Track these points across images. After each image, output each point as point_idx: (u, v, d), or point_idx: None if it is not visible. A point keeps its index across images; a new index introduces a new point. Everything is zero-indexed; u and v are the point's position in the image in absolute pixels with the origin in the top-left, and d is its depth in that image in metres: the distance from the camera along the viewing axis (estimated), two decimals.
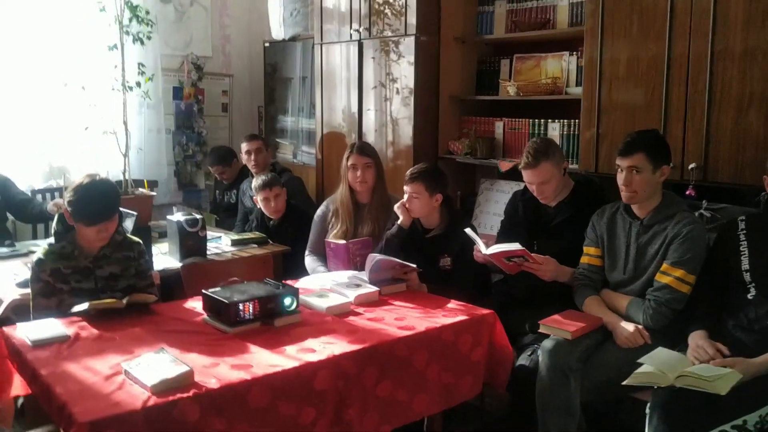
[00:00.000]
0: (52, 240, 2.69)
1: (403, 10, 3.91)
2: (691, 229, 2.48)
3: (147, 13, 3.94)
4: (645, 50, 2.98)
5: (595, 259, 2.75)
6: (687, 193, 2.88)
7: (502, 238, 3.08)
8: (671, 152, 2.59)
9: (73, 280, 2.61)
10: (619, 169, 2.55)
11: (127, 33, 3.89)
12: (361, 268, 3.12)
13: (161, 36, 5.09)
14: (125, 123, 3.96)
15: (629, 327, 2.49)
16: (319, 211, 3.55)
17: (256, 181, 3.87)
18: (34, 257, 2.65)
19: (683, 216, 2.54)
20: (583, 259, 2.78)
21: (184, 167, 5.43)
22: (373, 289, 2.73)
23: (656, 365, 2.20)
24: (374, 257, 2.79)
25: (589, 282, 2.73)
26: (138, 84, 3.97)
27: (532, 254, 2.70)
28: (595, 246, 2.75)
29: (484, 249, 2.76)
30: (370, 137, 4.24)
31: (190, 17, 5.35)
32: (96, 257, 2.64)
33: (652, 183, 2.53)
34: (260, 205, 3.86)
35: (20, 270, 3.11)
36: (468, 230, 2.85)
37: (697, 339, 2.34)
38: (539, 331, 2.55)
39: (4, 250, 3.50)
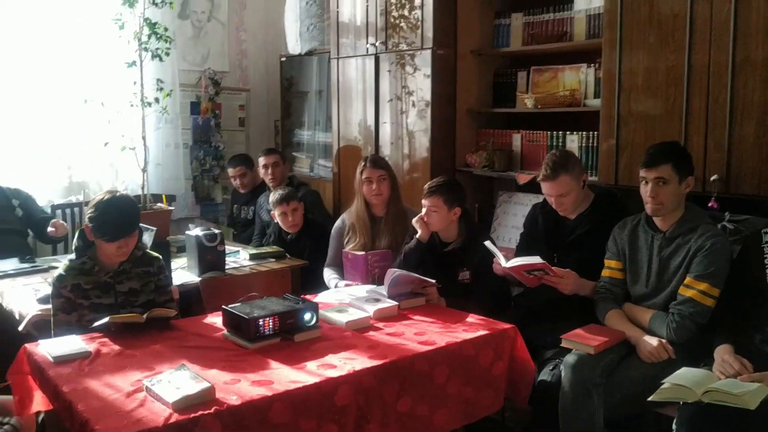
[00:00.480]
0: (72, 256, 2.71)
1: (420, 23, 3.92)
2: (715, 241, 2.45)
3: (165, 29, 3.98)
4: (664, 61, 2.96)
5: (617, 273, 2.72)
6: (709, 205, 2.84)
7: (521, 250, 3.07)
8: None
9: (94, 295, 2.62)
10: (644, 182, 2.53)
11: (146, 49, 3.93)
12: (380, 281, 3.12)
13: (179, 51, 5.14)
14: (144, 138, 3.99)
15: (653, 341, 2.46)
16: (335, 226, 3.56)
17: (273, 196, 3.87)
18: (55, 273, 2.67)
19: (706, 228, 2.51)
20: (605, 273, 2.75)
21: (202, 181, 5.45)
22: (392, 303, 2.72)
23: (681, 383, 2.16)
24: (393, 272, 2.78)
25: (610, 295, 2.70)
26: (156, 100, 4.00)
27: (553, 267, 2.68)
28: (617, 259, 2.72)
29: (503, 262, 2.74)
30: (386, 150, 4.24)
31: (208, 33, 5.39)
32: (116, 272, 2.66)
33: (678, 195, 2.50)
34: (277, 219, 3.87)
35: (41, 285, 3.13)
36: (487, 243, 2.83)
37: (722, 353, 2.30)
38: (561, 345, 2.52)
39: (24, 265, 3.53)
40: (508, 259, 2.79)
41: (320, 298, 2.92)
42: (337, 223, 3.57)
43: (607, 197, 2.97)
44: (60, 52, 4.55)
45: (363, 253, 3.24)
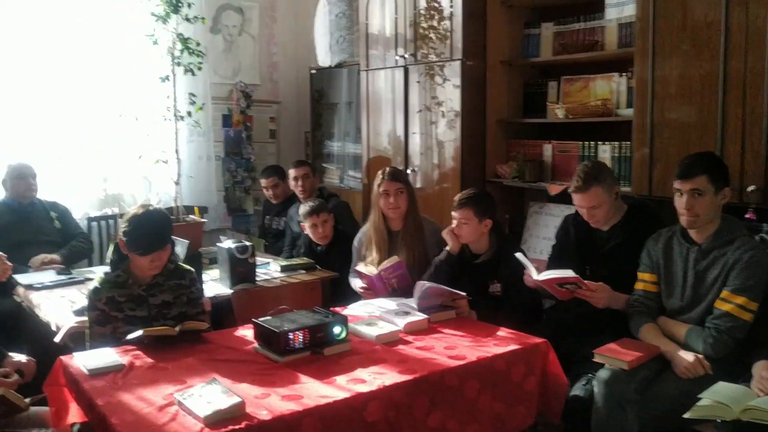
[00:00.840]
0: (107, 269, 2.75)
1: (449, 34, 3.91)
2: (753, 254, 2.39)
3: (198, 44, 4.04)
4: (698, 69, 2.91)
5: (651, 286, 2.67)
6: (746, 216, 2.78)
7: (553, 262, 3.03)
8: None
9: (127, 308, 2.66)
10: (678, 193, 2.48)
11: (179, 64, 4.00)
12: (401, 291, 3.12)
13: (211, 65, 5.20)
14: (177, 152, 4.06)
15: (689, 356, 2.40)
16: (355, 241, 3.58)
17: (303, 208, 3.89)
18: (91, 286, 2.72)
19: (744, 241, 2.45)
20: (638, 286, 2.70)
21: (233, 193, 5.51)
22: (422, 316, 2.70)
23: (719, 399, 2.11)
24: (423, 284, 2.77)
25: (644, 309, 2.65)
26: (189, 113, 4.06)
27: (585, 281, 2.64)
28: (651, 272, 2.67)
29: (535, 274, 2.71)
30: (416, 160, 4.24)
31: (239, 46, 5.46)
32: (149, 285, 2.69)
33: (714, 206, 2.45)
34: (308, 231, 3.88)
35: (77, 297, 3.19)
36: (519, 255, 2.80)
37: (761, 369, 2.24)
38: (594, 360, 2.48)
39: (61, 277, 3.60)
40: (539, 271, 2.75)
41: (350, 310, 2.92)
42: (357, 237, 3.58)
43: (641, 209, 2.92)
44: (96, 68, 4.66)
45: (375, 272, 3.20)
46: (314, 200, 3.92)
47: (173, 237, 3.47)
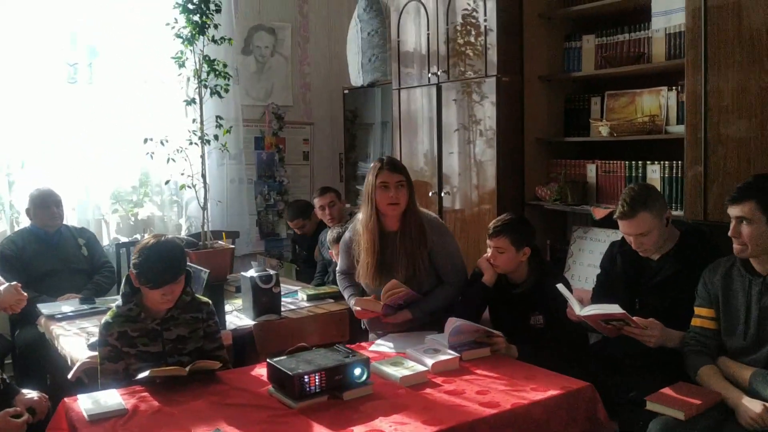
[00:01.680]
0: (120, 302, 2.62)
1: (483, 50, 3.71)
2: None
3: (225, 66, 3.93)
4: (756, 80, 2.64)
5: (709, 322, 2.39)
6: None
7: (598, 294, 2.78)
8: None
9: (140, 343, 2.52)
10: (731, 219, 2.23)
11: (206, 86, 3.90)
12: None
13: (242, 87, 5.13)
14: (204, 176, 3.95)
15: (755, 405, 2.11)
16: (346, 238, 3.14)
17: (330, 234, 3.72)
18: (102, 320, 2.59)
19: None
20: (695, 322, 2.43)
21: (266, 216, 5.39)
22: (453, 355, 2.48)
23: None
24: (454, 321, 2.55)
25: (702, 348, 2.37)
26: (216, 137, 3.95)
27: (634, 318, 2.38)
28: (708, 306, 2.40)
29: (578, 309, 2.46)
30: (455, 181, 4.02)
31: (271, 67, 5.36)
32: (163, 319, 2.56)
33: (766, 236, 2.18)
34: (335, 259, 3.70)
35: (96, 329, 3.06)
36: (560, 287, 2.56)
37: None
38: (646, 408, 2.21)
39: (84, 307, 3.50)
40: (583, 304, 2.51)
41: (376, 346, 2.72)
42: (346, 237, 3.14)
43: (695, 235, 2.64)
44: (124, 91, 4.60)
45: (379, 306, 2.87)
46: (342, 226, 3.74)
47: (192, 265, 3.36)
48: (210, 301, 2.72)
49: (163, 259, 2.43)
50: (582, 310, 2.45)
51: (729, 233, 2.23)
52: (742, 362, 2.27)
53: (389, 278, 2.88)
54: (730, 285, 2.34)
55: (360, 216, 2.99)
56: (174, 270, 2.46)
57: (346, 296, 3.19)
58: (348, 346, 2.69)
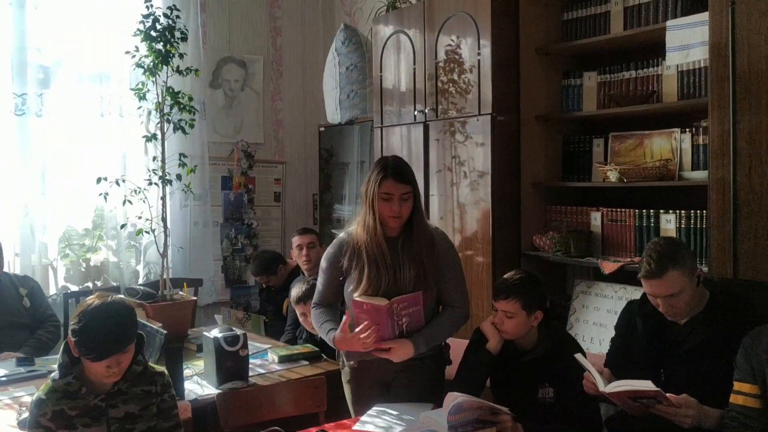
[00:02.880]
0: (55, 374, 2.19)
1: (477, 87, 3.41)
2: None
3: (190, 99, 3.57)
4: None
5: (753, 400, 2.05)
6: None
7: (615, 362, 2.43)
8: None
9: (80, 423, 2.12)
10: None
11: (168, 121, 3.52)
12: (409, 331, 2.44)
13: (210, 123, 4.77)
14: (164, 220, 3.54)
15: None
16: (329, 253, 2.62)
17: (293, 291, 3.33)
18: (34, 396, 2.16)
19: None
20: (736, 399, 2.08)
21: (233, 262, 4.98)
22: None
23: None
24: (454, 396, 2.17)
25: (746, 430, 2.03)
26: (178, 177, 3.55)
27: (668, 394, 2.04)
28: (752, 381, 2.06)
29: (602, 385, 2.11)
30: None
31: (241, 102, 5.01)
32: (109, 394, 2.16)
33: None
34: (304, 322, 3.30)
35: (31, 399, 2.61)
36: (579, 357, 2.22)
37: None
38: None
39: (20, 369, 3.04)
40: (603, 375, 2.17)
41: (361, 425, 2.32)
42: (330, 251, 2.61)
43: (727, 296, 2.32)
44: (76, 125, 4.21)
45: (385, 302, 2.36)
46: (305, 284, 3.33)
47: (147, 324, 2.95)
48: (165, 371, 2.33)
49: (107, 326, 2.03)
50: (607, 387, 2.10)
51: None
52: None
53: (393, 285, 2.44)
54: None
55: (355, 224, 2.55)
56: (120, 339, 2.06)
57: (323, 331, 2.58)
58: (327, 427, 2.32)
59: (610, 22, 3.23)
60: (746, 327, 2.14)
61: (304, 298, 3.25)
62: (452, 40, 3.55)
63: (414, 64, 3.81)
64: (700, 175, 2.81)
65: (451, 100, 3.58)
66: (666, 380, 2.24)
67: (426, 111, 3.72)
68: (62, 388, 2.13)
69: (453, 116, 3.56)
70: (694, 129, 2.92)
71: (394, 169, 2.46)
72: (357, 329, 2.40)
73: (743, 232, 2.50)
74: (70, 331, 2.08)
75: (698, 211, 2.81)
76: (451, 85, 3.60)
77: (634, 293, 2.89)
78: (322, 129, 5.15)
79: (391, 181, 2.43)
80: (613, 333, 2.53)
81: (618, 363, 2.42)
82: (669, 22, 2.88)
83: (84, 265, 4.35)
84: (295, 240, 4.01)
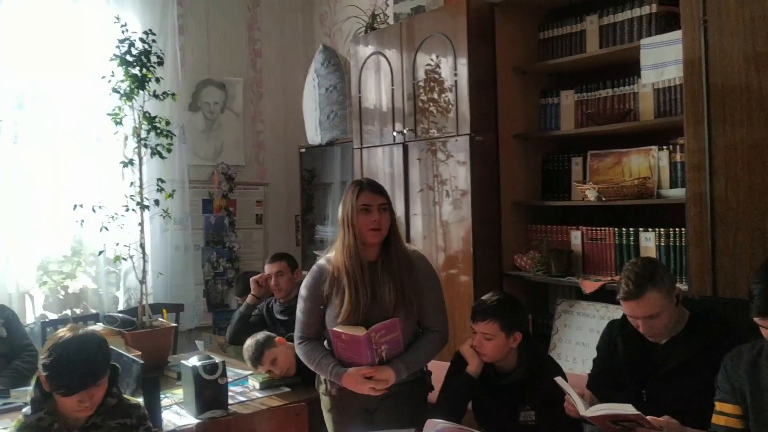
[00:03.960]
0: (27, 409, 2.14)
1: (455, 106, 3.41)
2: None
3: (167, 123, 3.54)
4: None
5: (735, 420, 2.03)
6: None
7: (596, 383, 2.41)
8: None
9: None
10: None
11: (146, 146, 3.49)
12: (388, 358, 2.41)
13: (189, 146, 4.75)
14: (142, 246, 3.50)
15: None
16: (306, 283, 2.60)
17: (245, 351, 3.19)
18: None
19: None
20: (718, 420, 2.06)
21: (214, 286, 4.92)
22: None
23: None
24: (434, 424, 2.14)
25: None
26: (156, 202, 3.51)
27: (649, 417, 2.01)
28: (734, 402, 2.04)
29: (582, 409, 2.09)
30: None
31: (221, 125, 4.98)
32: (83, 429, 2.13)
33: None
34: (266, 367, 3.21)
35: None
36: (559, 380, 2.19)
37: None
38: None
39: None
40: (578, 392, 2.15)
41: None
42: (308, 280, 2.59)
43: (706, 315, 2.31)
44: (52, 151, 4.17)
45: (363, 332, 2.36)
46: (256, 341, 3.18)
47: (124, 354, 2.89)
48: (141, 404, 2.30)
49: (77, 360, 1.99)
50: (588, 410, 2.07)
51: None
52: None
53: (374, 309, 2.44)
54: (759, 376, 2.00)
55: (334, 250, 2.55)
56: (92, 372, 2.02)
57: (324, 367, 2.51)
58: None
59: (586, 40, 3.25)
60: (726, 346, 2.12)
61: (254, 360, 3.14)
62: (431, 60, 3.56)
63: (392, 84, 3.81)
64: (679, 192, 2.81)
65: (432, 119, 3.57)
66: (648, 401, 2.21)
67: (405, 132, 3.72)
68: (34, 423, 2.08)
69: (433, 136, 3.56)
70: (671, 146, 2.93)
71: (369, 183, 2.56)
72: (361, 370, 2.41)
73: (721, 248, 2.50)
74: (40, 365, 2.04)
75: (677, 229, 2.81)
76: (431, 104, 3.60)
77: (616, 312, 2.87)
78: (303, 150, 5.13)
79: (367, 192, 2.49)
80: (594, 352, 2.52)
81: (600, 384, 2.40)
82: (643, 41, 2.90)
83: (62, 292, 4.29)
84: (266, 268, 3.80)
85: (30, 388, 3.07)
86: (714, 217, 2.52)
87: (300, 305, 2.61)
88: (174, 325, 3.68)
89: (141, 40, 3.43)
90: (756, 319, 1.90)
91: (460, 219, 3.42)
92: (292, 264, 3.76)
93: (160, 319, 3.59)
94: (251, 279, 3.79)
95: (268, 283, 3.72)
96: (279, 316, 3.60)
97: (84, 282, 4.38)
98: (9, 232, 4.01)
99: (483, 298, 2.44)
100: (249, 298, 3.76)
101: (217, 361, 2.81)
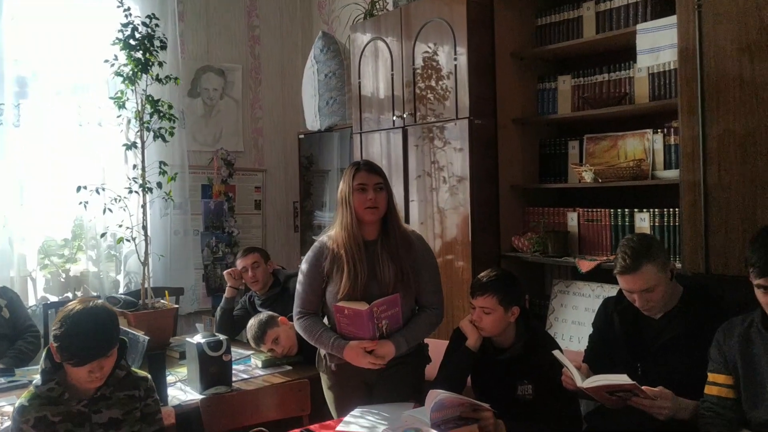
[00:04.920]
0: (38, 380, 2.19)
1: (454, 91, 3.46)
2: None
3: (170, 107, 3.58)
4: (765, 121, 2.43)
5: (727, 390, 2.10)
6: None
7: (592, 357, 2.48)
8: None
9: (63, 429, 2.12)
10: (762, 290, 1.96)
11: (148, 129, 3.52)
12: (388, 333, 2.49)
13: (189, 131, 4.78)
14: (145, 228, 3.54)
15: None
16: (308, 259, 2.66)
17: (249, 332, 3.29)
18: (17, 403, 2.16)
19: None
20: (710, 390, 2.14)
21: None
22: None
23: None
24: (436, 394, 2.19)
25: (721, 421, 2.08)
26: (159, 185, 3.55)
27: (644, 387, 2.08)
28: (726, 373, 2.11)
29: (580, 381, 2.15)
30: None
31: (220, 111, 5.02)
32: (92, 399, 2.17)
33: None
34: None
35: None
36: (556, 353, 2.25)
37: None
38: None
39: (0, 380, 3.01)
40: (580, 370, 2.21)
41: (345, 425, 2.34)
42: (310, 254, 2.65)
43: (699, 290, 2.38)
44: (55, 135, 4.19)
45: (365, 307, 2.43)
46: (266, 316, 3.28)
47: (129, 330, 2.94)
48: (149, 376, 2.35)
49: (89, 331, 2.03)
50: (585, 382, 2.14)
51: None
52: None
53: (374, 286, 2.52)
54: (751, 348, 2.07)
55: (334, 228, 2.63)
56: (102, 343, 2.07)
57: (325, 341, 2.57)
58: (312, 428, 2.33)
59: (582, 26, 3.30)
60: (718, 320, 2.19)
61: (260, 335, 3.23)
62: (429, 47, 3.60)
63: (392, 70, 3.85)
64: (673, 174, 2.87)
65: (429, 107, 3.62)
66: (643, 374, 2.28)
67: (404, 116, 3.77)
68: (45, 394, 2.13)
69: (431, 121, 3.61)
70: (665, 129, 2.99)
71: (366, 163, 2.67)
72: (362, 343, 2.48)
73: (714, 228, 2.57)
74: (51, 337, 2.08)
75: (671, 209, 2.88)
76: (429, 91, 3.64)
77: (611, 291, 2.94)
78: (301, 136, 5.17)
79: (363, 173, 2.59)
80: (590, 331, 2.58)
81: (596, 358, 2.46)
82: (639, 26, 2.95)
83: (63, 275, 4.33)
84: (239, 263, 3.84)
85: (34, 367, 3.18)
86: (707, 201, 2.59)
87: (300, 279, 2.67)
88: (176, 306, 3.72)
89: (144, 24, 3.46)
90: (761, 281, 1.95)
91: (458, 204, 3.48)
92: (264, 255, 3.81)
93: (162, 301, 3.64)
94: (225, 273, 3.84)
95: (243, 276, 3.77)
96: (261, 309, 3.64)
97: (85, 265, 4.41)
98: (11, 216, 4.04)
99: (482, 274, 2.50)
100: (227, 291, 3.80)
101: (221, 338, 2.87)
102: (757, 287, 1.97)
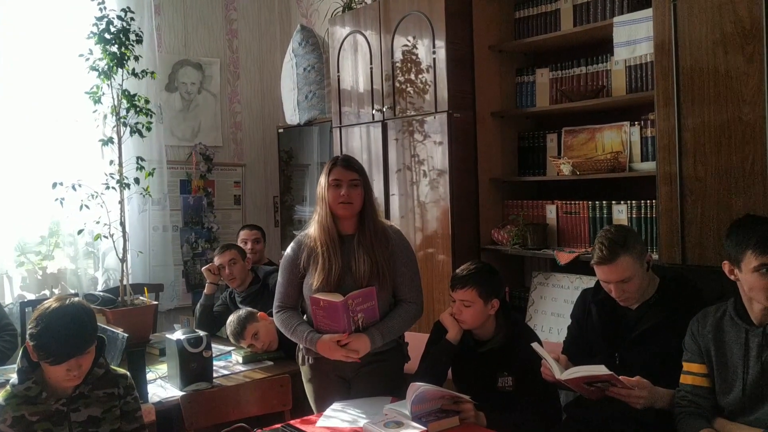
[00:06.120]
0: (15, 379, 2.16)
1: (433, 85, 3.46)
2: None
3: (147, 101, 3.54)
4: (738, 114, 2.46)
5: (702, 379, 2.14)
6: None
7: (571, 348, 2.51)
8: None
9: (41, 429, 2.10)
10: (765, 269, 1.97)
11: (125, 124, 3.48)
12: (365, 327, 2.49)
13: (167, 126, 4.74)
14: (123, 224, 3.50)
15: None
16: (286, 255, 2.71)
17: (228, 327, 3.29)
18: None
19: None
20: (685, 379, 2.17)
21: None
22: (419, 428, 2.14)
23: None
24: (417, 386, 2.21)
25: (695, 409, 2.11)
26: (136, 180, 3.52)
27: (621, 377, 2.11)
28: (700, 362, 2.14)
29: (558, 372, 2.17)
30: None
31: (198, 105, 4.98)
32: (70, 398, 2.15)
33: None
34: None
35: None
36: (535, 346, 2.27)
37: None
38: None
39: None
40: (558, 362, 2.24)
41: (325, 420, 2.34)
42: (288, 251, 2.70)
43: (675, 281, 2.41)
44: (29, 131, 4.13)
45: (340, 299, 2.45)
46: (246, 312, 3.29)
47: (108, 328, 2.92)
48: (128, 374, 2.33)
49: (65, 329, 2.01)
50: (563, 373, 2.16)
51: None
52: (741, 423, 2.03)
53: (348, 279, 2.54)
54: (723, 337, 2.10)
55: (312, 223, 2.67)
56: (79, 341, 2.05)
57: (299, 334, 2.59)
58: (293, 423, 2.33)
59: (560, 19, 3.32)
60: (694, 310, 2.22)
61: (240, 331, 3.23)
62: (408, 41, 3.60)
63: (371, 64, 3.85)
64: (649, 166, 2.90)
65: (409, 100, 3.62)
66: (620, 364, 2.30)
67: (384, 110, 3.76)
68: (22, 393, 2.11)
69: (411, 115, 3.61)
70: (642, 122, 3.01)
71: (343, 159, 2.67)
72: (335, 336, 2.48)
73: (690, 220, 2.60)
74: (27, 335, 2.06)
75: (648, 201, 2.91)
76: (408, 85, 3.64)
77: (590, 283, 2.95)
78: (281, 130, 5.15)
79: (339, 168, 2.60)
80: (570, 322, 2.60)
81: (574, 349, 2.49)
82: (616, 18, 2.97)
83: (41, 273, 4.27)
84: (216, 260, 3.80)
85: (10, 366, 3.14)
86: (683, 192, 2.62)
87: (280, 275, 2.71)
88: (155, 303, 3.69)
89: (119, 17, 3.41)
90: (764, 259, 1.93)
91: (438, 198, 3.48)
92: (242, 252, 3.80)
93: (141, 298, 3.61)
94: (203, 269, 3.84)
95: (221, 273, 3.76)
96: (241, 305, 3.62)
97: (62, 262, 4.37)
98: None
99: (461, 267, 2.51)
100: (207, 288, 3.80)
101: (201, 334, 2.85)
102: (755, 269, 1.94)
